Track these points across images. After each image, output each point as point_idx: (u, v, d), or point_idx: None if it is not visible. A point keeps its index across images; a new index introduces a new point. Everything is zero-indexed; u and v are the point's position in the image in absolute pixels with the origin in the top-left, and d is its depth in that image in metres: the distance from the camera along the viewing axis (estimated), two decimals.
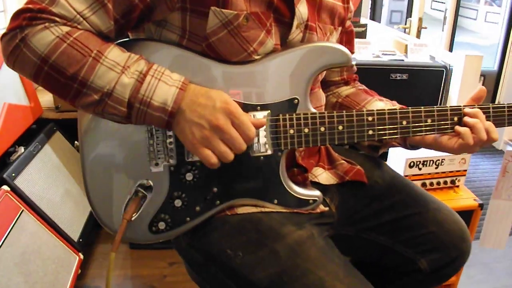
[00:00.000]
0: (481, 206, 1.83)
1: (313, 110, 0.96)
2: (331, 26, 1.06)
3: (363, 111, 0.97)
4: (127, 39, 0.91)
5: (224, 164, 0.91)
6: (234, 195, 0.96)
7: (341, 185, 1.14)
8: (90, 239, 2.17)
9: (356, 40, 2.10)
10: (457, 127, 1.00)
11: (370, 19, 2.93)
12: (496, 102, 1.09)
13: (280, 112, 0.94)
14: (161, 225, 0.93)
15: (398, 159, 1.87)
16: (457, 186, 1.94)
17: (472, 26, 8.33)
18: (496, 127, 1.03)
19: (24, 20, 0.77)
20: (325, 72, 1.11)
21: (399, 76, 2.03)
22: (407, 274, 1.15)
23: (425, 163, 1.84)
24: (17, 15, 0.79)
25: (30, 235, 1.65)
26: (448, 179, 1.91)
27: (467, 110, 1.01)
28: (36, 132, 2.02)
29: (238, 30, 0.89)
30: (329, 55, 0.95)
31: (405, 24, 2.70)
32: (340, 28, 1.11)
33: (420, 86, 2.07)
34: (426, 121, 1.00)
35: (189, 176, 0.92)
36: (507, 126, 1.07)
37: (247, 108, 0.92)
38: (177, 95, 0.82)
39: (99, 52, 0.80)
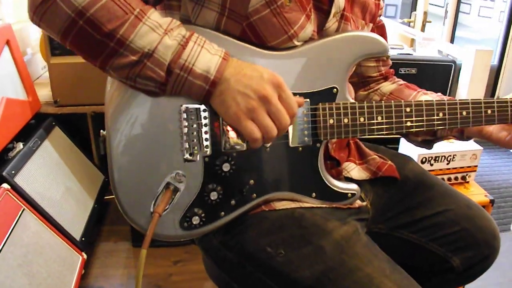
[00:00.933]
0: (492, 202, 1.81)
1: (352, 100, 0.92)
2: (362, 20, 1.04)
3: (401, 102, 0.94)
4: None
5: (261, 155, 0.87)
6: (271, 188, 0.91)
7: (374, 181, 1.10)
8: (92, 237, 2.10)
9: None
10: None
11: None
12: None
13: (319, 101, 0.90)
14: (195, 220, 0.87)
15: (411, 155, 1.85)
16: (467, 182, 1.93)
17: (466, 21, 8.43)
18: (499, 123, 1.01)
19: None
20: (354, 67, 1.07)
21: (408, 70, 2.01)
22: (439, 274, 1.11)
23: (437, 158, 1.83)
24: None
25: (32, 234, 1.58)
26: (459, 175, 1.90)
27: None
28: (34, 127, 1.95)
29: (281, 10, 0.85)
30: (368, 44, 0.92)
31: (410, 17, 2.69)
32: (371, 25, 1.09)
33: (428, 80, 2.05)
34: (461, 113, 0.97)
35: (226, 167, 0.87)
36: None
37: None
38: (220, 64, 0.77)
39: (142, 11, 0.74)
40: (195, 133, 0.85)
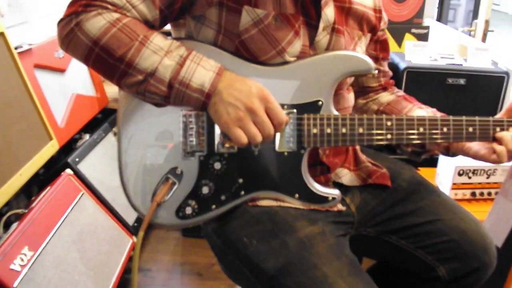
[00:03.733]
0: None
1: (336, 113, 1.01)
2: (359, 31, 1.11)
3: (382, 116, 1.01)
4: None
5: (250, 157, 0.98)
6: (258, 187, 1.02)
7: (364, 187, 1.17)
8: None
9: (412, 43, 2.08)
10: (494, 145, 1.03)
11: (437, 20, 2.84)
12: None
13: (305, 112, 0.99)
14: (188, 210, 1.01)
15: (447, 166, 1.84)
16: None
17: None
18: (480, 140, 1.05)
19: (79, 7, 0.87)
20: (352, 78, 1.16)
21: (456, 81, 1.98)
22: (426, 281, 1.15)
23: (476, 172, 1.79)
24: (74, 2, 0.89)
25: (88, 216, 1.79)
26: None
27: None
28: (101, 121, 2.18)
29: (268, 29, 0.96)
30: (353, 63, 1.01)
31: (470, 26, 2.60)
32: (369, 35, 1.16)
33: (478, 92, 2.02)
34: (442, 129, 1.03)
35: (217, 166, 1.00)
36: None
37: None
38: (214, 79, 0.89)
39: (145, 37, 0.88)
40: (193, 134, 0.99)
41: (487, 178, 1.81)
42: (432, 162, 1.89)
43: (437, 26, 2.60)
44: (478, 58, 2.01)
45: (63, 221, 1.65)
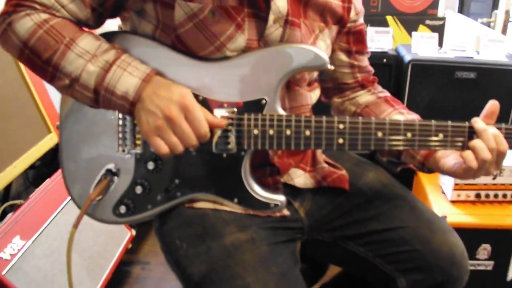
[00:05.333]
0: None
1: (281, 112, 0.94)
2: (321, 23, 1.02)
3: (333, 117, 0.93)
4: (109, 31, 0.97)
5: (187, 158, 0.94)
6: (195, 189, 0.98)
7: (318, 190, 1.09)
8: None
9: (420, 34, 1.97)
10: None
11: (458, 12, 2.68)
12: None
13: (247, 111, 0.93)
14: (122, 209, 0.99)
15: None
16: None
17: None
18: (451, 149, 0.95)
19: (10, 6, 0.86)
20: (313, 73, 1.07)
21: (466, 75, 1.86)
22: None
23: None
24: (7, 1, 0.88)
25: None
26: (509, 193, 1.73)
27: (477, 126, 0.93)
28: None
29: (204, 23, 0.90)
30: (301, 57, 0.93)
31: (490, 17, 2.43)
32: (336, 27, 1.06)
33: (491, 87, 1.88)
34: (405, 135, 0.93)
35: (153, 165, 0.96)
36: None
37: (212, 104, 0.93)
38: (139, 86, 0.86)
39: (71, 40, 0.86)
40: (128, 133, 0.97)
41: (493, 179, 1.70)
42: None
43: (455, 17, 2.45)
44: (492, 50, 1.87)
45: (59, 212, 1.68)
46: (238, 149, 0.94)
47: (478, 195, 1.72)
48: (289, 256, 0.98)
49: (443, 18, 2.32)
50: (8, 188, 1.76)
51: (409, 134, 0.93)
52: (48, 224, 1.62)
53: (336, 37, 1.09)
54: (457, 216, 1.68)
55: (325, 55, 0.93)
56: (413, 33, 2.00)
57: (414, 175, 2.01)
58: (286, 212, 1.03)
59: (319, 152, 1.13)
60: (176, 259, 0.96)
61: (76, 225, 1.00)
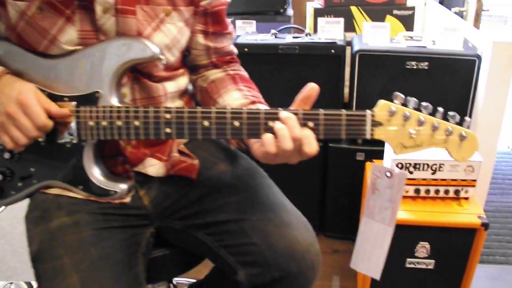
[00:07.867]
0: (485, 225, 1.55)
1: (116, 104, 0.98)
2: (167, 7, 1.02)
3: (160, 107, 0.96)
4: None
5: (38, 148, 1.02)
6: (47, 177, 1.05)
7: (167, 179, 1.12)
8: None
9: (371, 24, 1.92)
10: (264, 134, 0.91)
11: (439, 2, 2.52)
12: None
13: (84, 104, 0.99)
14: None
15: (386, 159, 1.70)
16: (466, 198, 1.67)
17: None
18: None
19: None
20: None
21: (416, 64, 1.79)
22: (231, 284, 1.09)
23: (417, 166, 1.62)
24: None
25: None
26: (451, 189, 1.65)
27: (281, 114, 0.90)
28: None
29: (34, 19, 0.96)
30: (131, 50, 0.97)
31: (463, 6, 2.27)
32: (189, 8, 1.06)
33: (445, 77, 1.80)
34: (232, 124, 0.94)
35: (7, 155, 1.05)
36: (345, 138, 0.94)
37: (55, 98, 1.00)
38: None
39: None
40: None
41: (433, 174, 1.63)
42: (380, 155, 1.75)
43: (433, 7, 2.32)
44: (447, 39, 1.78)
45: None
46: (79, 139, 1.01)
47: (417, 191, 1.65)
48: (120, 241, 1.03)
49: (412, 8, 2.21)
50: None
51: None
52: (3, 209, 1.76)
53: (194, 19, 1.10)
54: None
55: (154, 46, 0.97)
56: (364, 23, 1.93)
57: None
58: (126, 199, 1.08)
59: (176, 142, 1.15)
60: (27, 238, 1.05)
61: None
